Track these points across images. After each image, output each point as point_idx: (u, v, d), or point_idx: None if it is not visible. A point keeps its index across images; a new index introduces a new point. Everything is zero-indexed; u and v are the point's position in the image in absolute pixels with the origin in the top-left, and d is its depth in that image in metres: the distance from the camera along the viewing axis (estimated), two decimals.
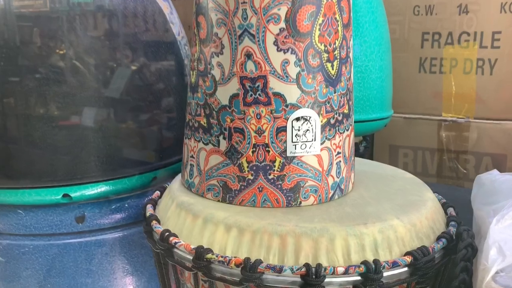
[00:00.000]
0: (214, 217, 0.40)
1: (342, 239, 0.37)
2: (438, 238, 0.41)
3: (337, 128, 0.44)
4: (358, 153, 0.77)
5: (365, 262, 0.36)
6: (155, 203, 0.50)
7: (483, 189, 0.45)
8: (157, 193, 0.53)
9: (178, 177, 0.52)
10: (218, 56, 0.42)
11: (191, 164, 0.47)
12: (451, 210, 0.47)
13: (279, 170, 0.42)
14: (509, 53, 0.88)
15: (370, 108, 0.69)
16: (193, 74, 0.46)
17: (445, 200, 0.50)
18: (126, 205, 0.56)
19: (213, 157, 0.44)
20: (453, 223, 0.44)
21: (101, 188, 0.54)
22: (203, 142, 0.45)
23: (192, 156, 0.46)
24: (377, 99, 0.69)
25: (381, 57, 0.69)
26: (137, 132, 0.57)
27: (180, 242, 0.40)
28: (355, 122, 0.69)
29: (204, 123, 0.44)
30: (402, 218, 0.40)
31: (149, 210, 0.48)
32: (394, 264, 0.37)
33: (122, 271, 0.56)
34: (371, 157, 1.05)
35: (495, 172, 0.50)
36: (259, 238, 0.38)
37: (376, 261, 0.36)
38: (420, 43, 0.95)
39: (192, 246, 0.39)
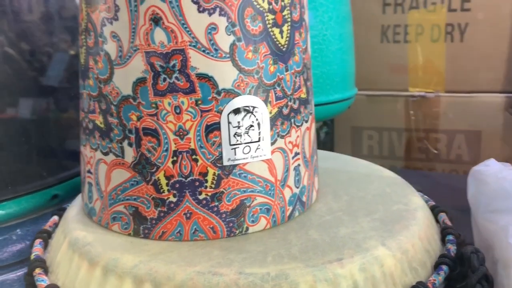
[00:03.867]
0: (118, 265, 0.27)
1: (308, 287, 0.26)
2: (437, 266, 0.30)
3: (292, 120, 0.32)
4: (318, 141, 0.66)
5: None
6: (48, 236, 0.37)
7: (487, 189, 0.35)
8: (54, 219, 0.39)
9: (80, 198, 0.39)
10: (111, 23, 0.29)
11: (89, 183, 0.33)
12: (443, 217, 0.37)
13: (213, 186, 0.30)
14: (481, 16, 0.79)
15: (331, 88, 0.58)
16: (81, 53, 0.33)
17: (433, 203, 0.40)
18: (14, 237, 0.42)
19: (117, 173, 0.31)
20: (450, 237, 0.34)
21: None
22: (101, 151, 0.32)
23: (89, 171, 0.33)
24: (338, 76, 0.58)
25: (341, 24, 0.58)
26: (24, 134, 0.43)
27: None
28: (314, 105, 0.58)
29: (101, 123, 0.31)
30: (388, 243, 0.29)
31: (37, 249, 0.34)
32: None
33: None
34: (332, 142, 0.95)
35: (492, 162, 0.40)
36: None
37: None
38: (381, 8, 0.85)
39: None
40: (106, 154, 0.31)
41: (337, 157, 0.48)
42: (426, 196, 0.41)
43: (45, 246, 0.36)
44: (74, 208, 0.36)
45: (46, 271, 0.32)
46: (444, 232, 0.35)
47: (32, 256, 0.33)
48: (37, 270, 0.31)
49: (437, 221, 0.37)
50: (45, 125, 0.45)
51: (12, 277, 0.42)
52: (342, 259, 0.27)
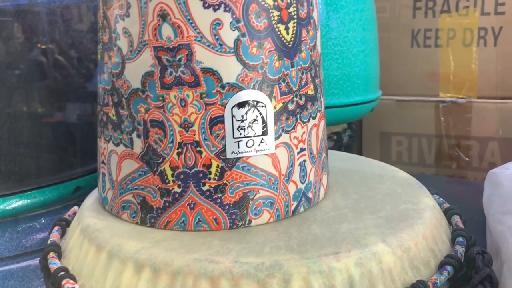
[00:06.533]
0: (122, 251, 0.29)
1: (302, 279, 0.26)
2: (441, 266, 0.30)
3: (298, 116, 0.33)
4: (342, 145, 0.66)
5: None
6: (67, 225, 0.39)
7: (501, 191, 0.34)
8: (75, 209, 0.41)
9: None
10: (123, 19, 0.31)
11: (102, 173, 0.35)
12: (456, 219, 0.36)
13: (217, 178, 0.30)
14: None
15: (352, 90, 0.57)
16: (99, 49, 0.34)
17: (448, 205, 0.39)
18: (38, 225, 0.44)
19: (127, 163, 0.32)
20: (460, 239, 0.33)
21: (1, 205, 0.42)
22: (113, 142, 0.33)
23: (103, 162, 0.35)
24: (360, 77, 0.58)
25: (364, 27, 0.58)
26: (50, 129, 0.45)
27: (75, 287, 0.29)
28: (335, 107, 0.58)
29: (113, 115, 0.33)
30: (389, 240, 0.29)
31: (54, 235, 0.36)
32: None
33: None
34: (360, 147, 0.94)
35: None
36: (181, 283, 0.26)
37: None
38: (412, 12, 0.84)
39: None
40: (117, 145, 0.33)
41: (354, 158, 0.48)
42: (441, 199, 0.40)
43: (63, 233, 0.37)
44: (91, 198, 0.38)
45: (59, 255, 0.33)
46: (454, 234, 0.34)
47: (49, 241, 0.35)
48: (51, 254, 0.33)
49: (450, 224, 0.37)
50: (81, 127, 0.47)
51: (35, 263, 0.44)
52: (338, 253, 0.27)
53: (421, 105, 0.87)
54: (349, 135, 0.66)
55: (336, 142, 0.63)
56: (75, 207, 0.41)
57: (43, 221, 0.45)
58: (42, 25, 0.44)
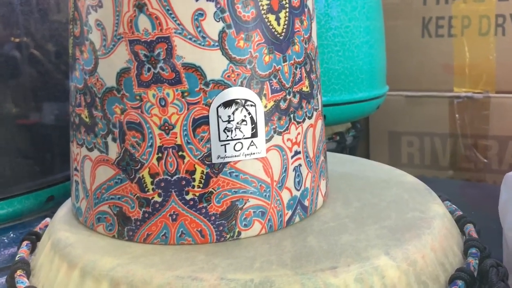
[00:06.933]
0: (96, 268, 0.28)
1: None
2: (451, 280, 0.30)
3: (292, 116, 0.33)
4: (346, 146, 0.66)
5: None
6: (37, 239, 0.38)
7: None
8: (46, 221, 0.41)
9: None
10: (96, 10, 0.30)
11: (76, 181, 0.35)
12: (470, 229, 0.36)
13: (201, 185, 0.30)
14: None
15: (356, 85, 0.57)
16: (70, 44, 0.34)
17: (461, 213, 0.39)
18: (7, 240, 0.44)
19: (101, 170, 0.32)
20: (473, 251, 0.33)
21: None
22: (86, 147, 0.33)
23: (76, 169, 0.35)
24: (364, 72, 0.58)
25: (368, 15, 0.58)
26: (21, 131, 0.45)
27: None
28: (337, 104, 0.58)
29: (86, 117, 0.32)
30: (393, 252, 0.29)
31: (22, 250, 0.36)
32: None
33: None
34: (366, 149, 0.94)
35: None
36: None
37: None
38: None
39: None
40: (91, 150, 0.32)
41: (356, 161, 0.48)
42: (454, 206, 0.40)
43: (33, 248, 0.37)
44: (63, 209, 0.38)
45: (28, 273, 0.33)
46: (467, 245, 0.34)
47: (17, 258, 0.35)
48: (19, 272, 0.33)
49: (463, 233, 0.36)
50: (56, 129, 0.47)
51: (2, 282, 0.44)
52: (336, 268, 0.27)
53: (433, 101, 0.87)
54: (353, 136, 0.66)
55: (339, 143, 0.63)
56: (47, 219, 0.41)
57: (11, 235, 0.45)
58: (15, 16, 0.44)
